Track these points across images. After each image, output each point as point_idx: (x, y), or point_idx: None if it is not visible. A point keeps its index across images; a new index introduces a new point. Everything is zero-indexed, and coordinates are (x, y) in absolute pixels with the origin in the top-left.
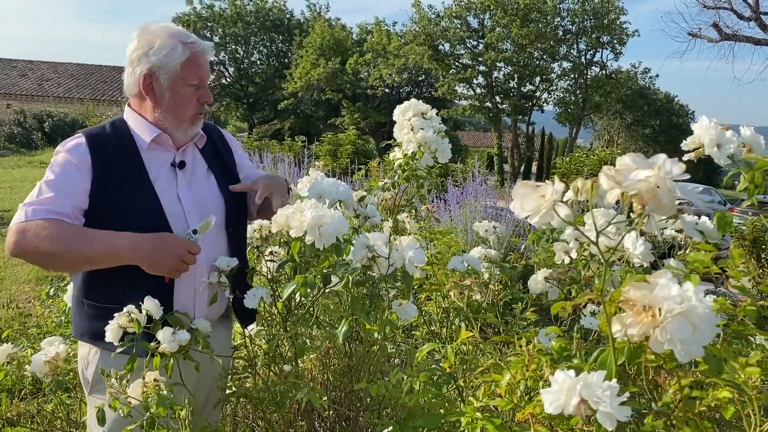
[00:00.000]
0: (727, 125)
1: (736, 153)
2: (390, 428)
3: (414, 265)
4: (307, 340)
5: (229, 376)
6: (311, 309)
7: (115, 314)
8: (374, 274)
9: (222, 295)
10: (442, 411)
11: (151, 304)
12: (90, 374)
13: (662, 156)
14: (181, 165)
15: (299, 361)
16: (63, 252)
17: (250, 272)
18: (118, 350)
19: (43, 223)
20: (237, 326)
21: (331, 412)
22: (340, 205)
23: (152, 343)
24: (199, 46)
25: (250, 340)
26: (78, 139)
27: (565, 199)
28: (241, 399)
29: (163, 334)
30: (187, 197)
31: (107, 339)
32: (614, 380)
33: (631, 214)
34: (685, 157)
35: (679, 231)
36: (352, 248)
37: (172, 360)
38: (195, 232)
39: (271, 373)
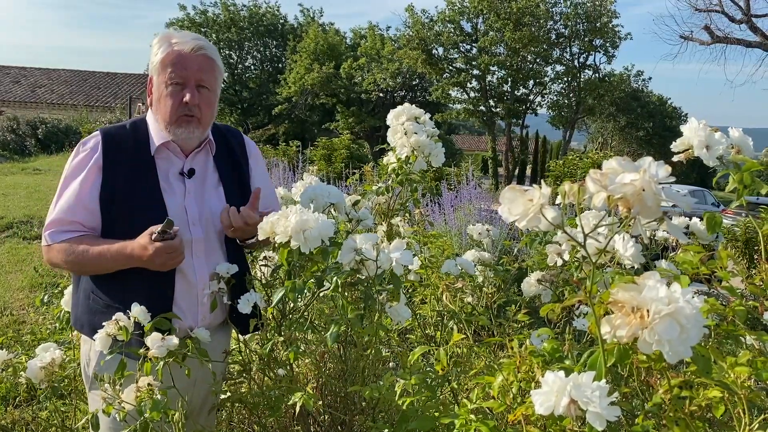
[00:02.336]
0: (715, 127)
1: (725, 154)
2: (386, 430)
3: (401, 266)
4: (302, 345)
5: (225, 382)
6: (305, 313)
7: (115, 314)
8: (363, 277)
9: (221, 302)
10: (436, 413)
11: (138, 311)
12: (91, 371)
13: (648, 159)
14: (191, 173)
15: (294, 366)
16: (79, 267)
17: (249, 279)
18: (108, 357)
19: (59, 246)
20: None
21: (326, 416)
22: (333, 209)
23: (142, 349)
24: (183, 44)
25: (245, 345)
26: (95, 138)
27: (557, 202)
28: (237, 404)
29: (152, 340)
30: (193, 208)
31: (97, 348)
32: (603, 381)
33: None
34: (675, 159)
35: (672, 235)
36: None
37: (161, 364)
38: (165, 232)
39: (265, 378)
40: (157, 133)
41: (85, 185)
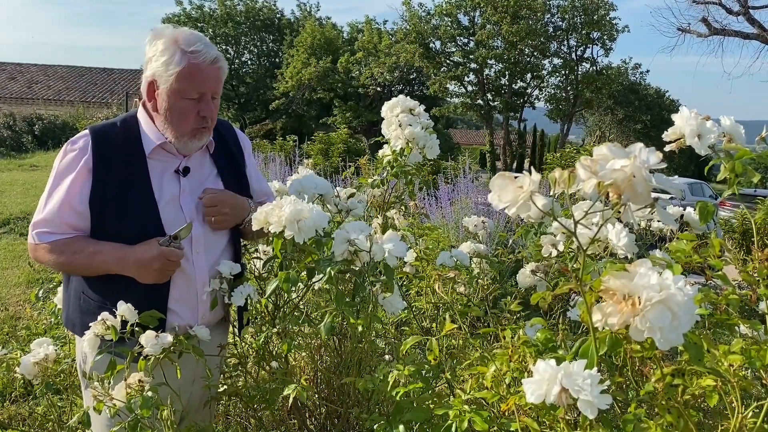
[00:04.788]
0: (707, 115)
1: (717, 143)
2: (381, 422)
3: (394, 258)
4: (299, 338)
5: (221, 375)
6: (299, 305)
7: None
8: (357, 268)
9: (222, 300)
10: (431, 405)
11: (125, 309)
12: (87, 367)
13: (639, 145)
14: (186, 171)
15: (290, 358)
16: (67, 267)
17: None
18: (97, 357)
19: (46, 245)
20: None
21: (322, 409)
22: (321, 200)
23: (136, 347)
24: (201, 56)
25: (240, 339)
26: (84, 139)
27: (551, 194)
28: (233, 397)
29: (146, 338)
30: (189, 205)
31: (85, 349)
32: (595, 369)
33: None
34: (667, 148)
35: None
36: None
37: (152, 360)
38: (176, 237)
39: (261, 371)
40: (154, 133)
41: (75, 187)
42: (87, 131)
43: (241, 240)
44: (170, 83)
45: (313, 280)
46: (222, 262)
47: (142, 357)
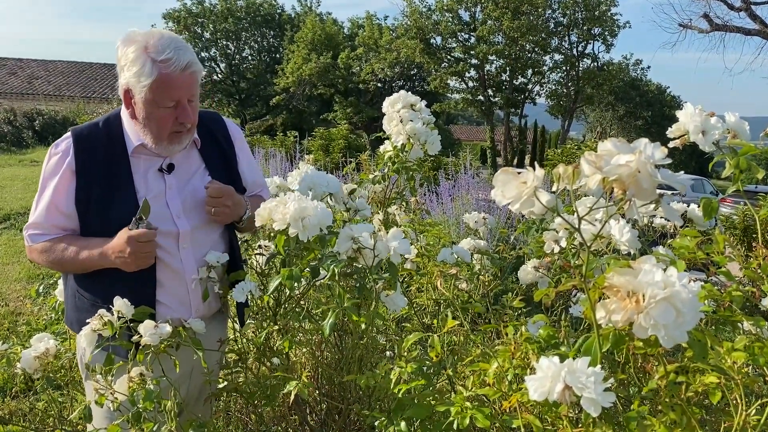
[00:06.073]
0: (712, 112)
1: (722, 139)
2: (382, 419)
3: (399, 256)
4: (300, 334)
5: (222, 371)
6: (301, 302)
7: (99, 310)
8: (360, 265)
9: (213, 291)
10: (432, 401)
11: (120, 304)
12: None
13: (644, 140)
14: (170, 168)
15: (291, 354)
16: (59, 267)
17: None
18: (94, 352)
19: (39, 246)
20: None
21: (323, 405)
22: (330, 198)
23: (135, 337)
24: (171, 64)
25: (241, 335)
26: (66, 141)
27: (554, 190)
28: (233, 393)
29: (144, 327)
30: (176, 202)
31: (82, 345)
32: (599, 366)
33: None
34: (670, 144)
35: (668, 219)
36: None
37: (150, 354)
38: (140, 219)
39: (262, 367)
40: (135, 134)
41: (60, 190)
42: (69, 133)
43: (239, 235)
44: (144, 94)
45: (317, 278)
46: (210, 252)
47: (140, 348)
